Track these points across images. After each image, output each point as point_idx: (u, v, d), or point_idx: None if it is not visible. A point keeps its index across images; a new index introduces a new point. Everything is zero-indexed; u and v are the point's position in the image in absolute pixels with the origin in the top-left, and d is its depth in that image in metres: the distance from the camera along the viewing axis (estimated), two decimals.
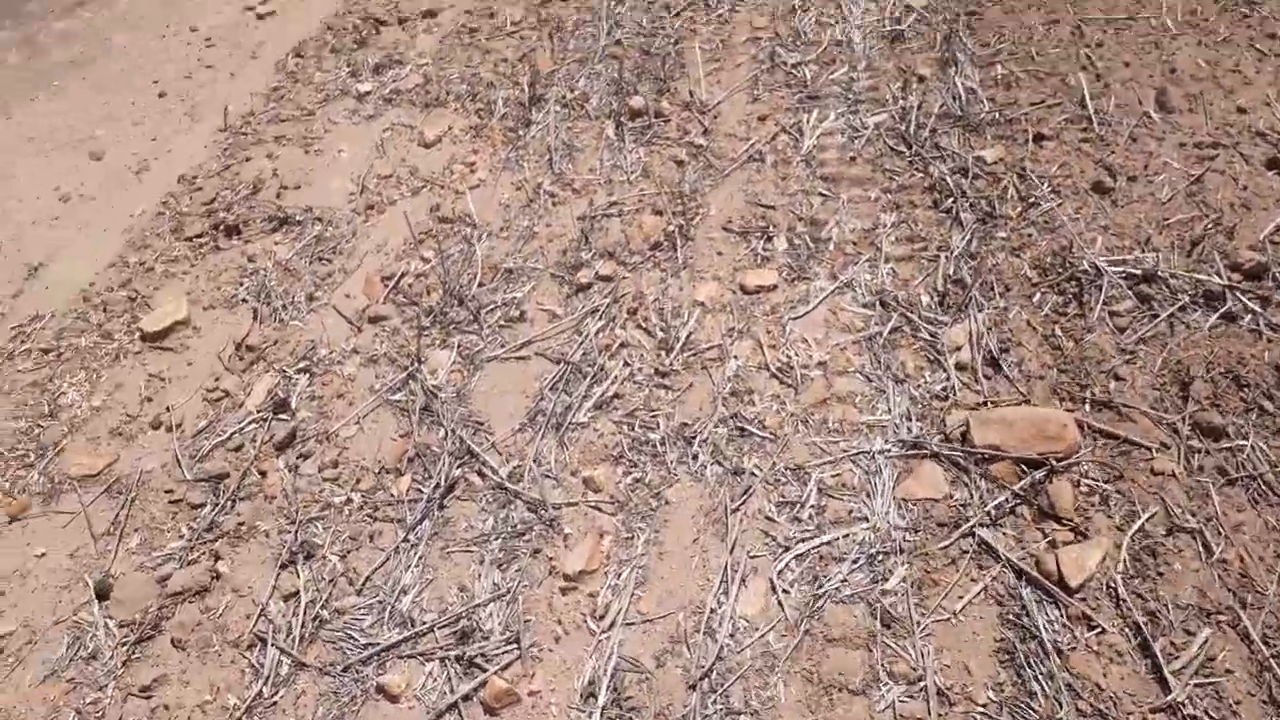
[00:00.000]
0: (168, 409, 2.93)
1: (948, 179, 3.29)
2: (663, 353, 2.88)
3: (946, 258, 3.02)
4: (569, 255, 3.31)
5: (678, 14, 4.60)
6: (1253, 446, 2.33)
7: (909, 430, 2.53)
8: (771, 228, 3.28)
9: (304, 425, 2.81)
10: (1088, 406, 2.51)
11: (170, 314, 3.20)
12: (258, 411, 2.87)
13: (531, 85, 4.16)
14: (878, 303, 2.93)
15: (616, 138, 3.86)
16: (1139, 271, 2.81)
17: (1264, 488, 2.24)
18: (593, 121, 3.97)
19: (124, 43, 5.03)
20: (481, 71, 4.39)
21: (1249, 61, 3.59)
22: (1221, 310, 2.67)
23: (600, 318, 3.03)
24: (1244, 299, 2.68)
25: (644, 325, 3.00)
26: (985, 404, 2.56)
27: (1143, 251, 2.89)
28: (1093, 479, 2.33)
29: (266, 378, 2.98)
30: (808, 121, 3.74)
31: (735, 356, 2.83)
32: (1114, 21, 3.96)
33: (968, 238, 3.06)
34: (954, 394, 2.61)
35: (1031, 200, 3.17)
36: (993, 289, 2.88)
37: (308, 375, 2.98)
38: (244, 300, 3.29)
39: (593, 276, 3.20)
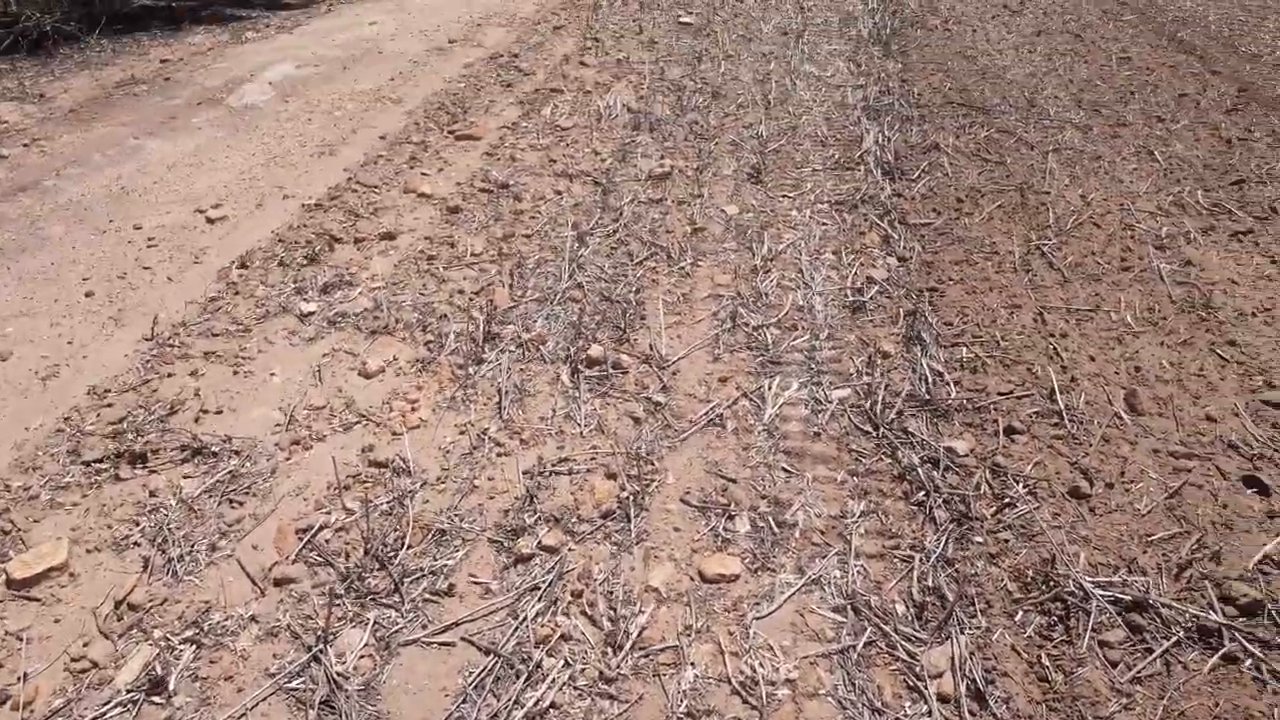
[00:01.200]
0: (20, 679, 2.45)
1: (918, 469, 3.13)
2: (610, 651, 2.54)
3: (922, 560, 2.79)
4: (511, 517, 3.01)
5: (640, 262, 4.56)
6: None
7: None
8: (733, 505, 3.04)
9: (180, 715, 2.36)
10: None
11: (45, 557, 2.77)
12: (128, 691, 2.41)
13: (488, 320, 4.00)
14: (849, 608, 2.66)
15: (572, 385, 3.67)
16: (1128, 597, 2.60)
17: None
18: (548, 365, 3.79)
19: (60, 234, 4.80)
20: (436, 301, 4.22)
21: (1212, 367, 3.60)
22: (1221, 651, 2.46)
23: (540, 599, 2.70)
24: (1242, 639, 2.48)
25: (590, 613, 2.67)
26: None
27: (1129, 573, 2.70)
28: None
29: (145, 647, 2.54)
30: (769, 388, 3.61)
31: (693, 663, 2.50)
32: (1075, 312, 3.99)
33: (943, 540, 2.85)
34: None
35: (1006, 500, 3.00)
36: (973, 604, 2.64)
37: (195, 647, 2.55)
38: (136, 544, 2.89)
39: (535, 546, 2.89)
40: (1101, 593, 2.62)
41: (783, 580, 2.78)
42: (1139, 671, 2.43)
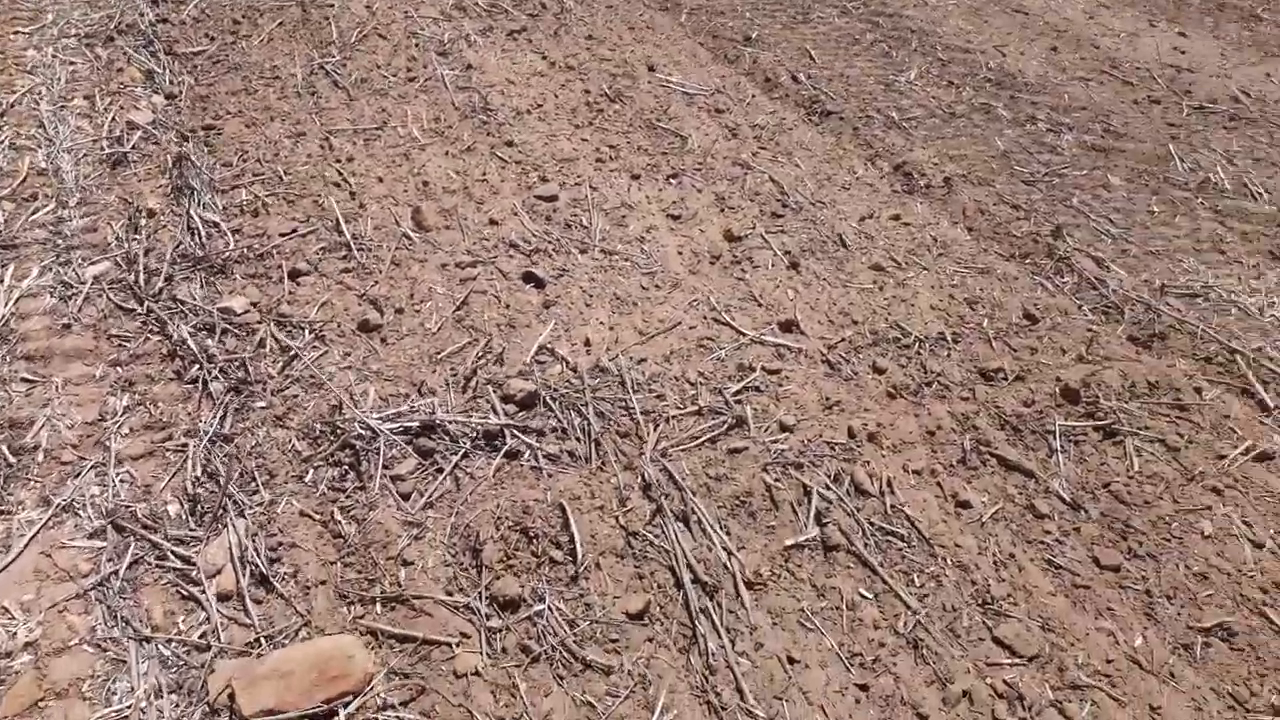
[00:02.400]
0: None
1: (190, 340, 2.71)
2: None
3: (196, 446, 2.43)
4: None
5: None
6: (550, 608, 2.15)
7: (172, 715, 1.89)
8: None
9: None
10: (379, 607, 2.13)
11: None
12: None
13: None
14: (110, 527, 2.23)
15: None
16: (417, 424, 2.54)
17: (567, 656, 2.07)
18: None
19: None
20: None
21: (493, 170, 3.65)
22: (503, 451, 2.51)
23: None
24: (520, 435, 2.56)
25: None
26: (258, 642, 2.03)
27: (420, 397, 2.64)
28: (394, 709, 1.94)
29: None
30: (2, 282, 2.86)
31: None
32: (363, 132, 3.77)
33: (220, 416, 2.51)
34: (218, 638, 2.03)
35: (293, 352, 2.74)
36: (254, 479, 2.37)
37: None
38: None
39: None
40: (390, 426, 2.51)
41: (22, 521, 2.23)
42: (430, 496, 2.39)
